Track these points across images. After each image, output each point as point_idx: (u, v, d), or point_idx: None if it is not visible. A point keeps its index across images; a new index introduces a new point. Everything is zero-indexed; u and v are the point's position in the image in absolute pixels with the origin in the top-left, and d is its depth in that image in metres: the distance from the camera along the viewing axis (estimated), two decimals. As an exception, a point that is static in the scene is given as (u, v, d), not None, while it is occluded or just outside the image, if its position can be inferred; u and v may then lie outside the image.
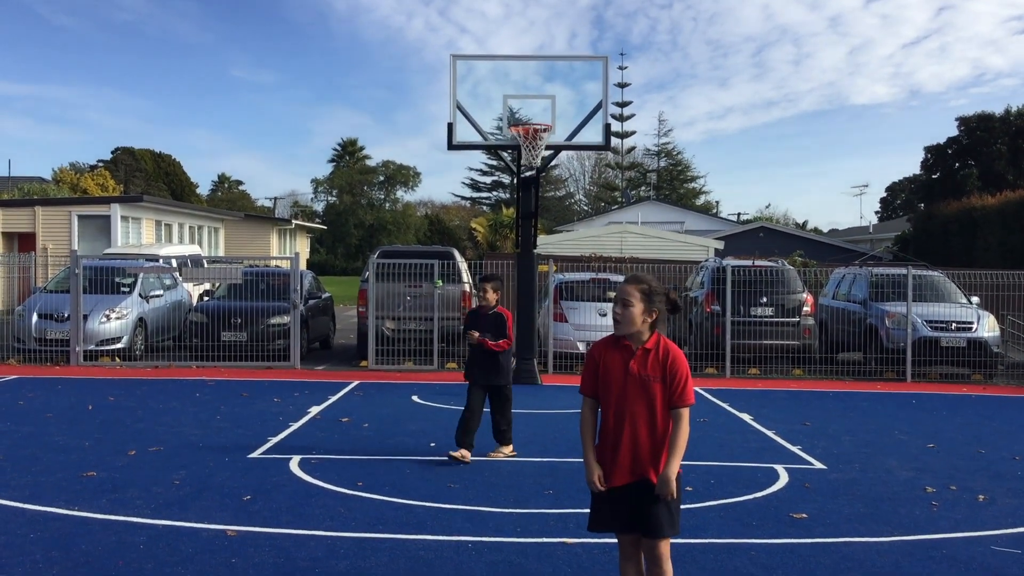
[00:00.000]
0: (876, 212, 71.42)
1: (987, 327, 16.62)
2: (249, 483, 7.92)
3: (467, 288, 17.13)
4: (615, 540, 4.70)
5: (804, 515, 7.21)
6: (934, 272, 18.81)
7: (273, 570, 5.76)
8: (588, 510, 7.06)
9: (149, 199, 34.09)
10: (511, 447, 9.27)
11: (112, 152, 63.86)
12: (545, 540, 6.47)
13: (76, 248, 26.39)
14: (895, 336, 16.64)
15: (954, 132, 42.32)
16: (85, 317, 16.37)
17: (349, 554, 6.08)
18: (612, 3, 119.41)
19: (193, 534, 6.45)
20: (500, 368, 9.13)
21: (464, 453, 8.76)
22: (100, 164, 58.72)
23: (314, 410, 11.87)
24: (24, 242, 29.04)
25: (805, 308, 17.36)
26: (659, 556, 4.43)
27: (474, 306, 9.66)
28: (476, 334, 9.01)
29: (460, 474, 8.39)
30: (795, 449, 9.91)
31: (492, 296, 9.19)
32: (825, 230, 69.58)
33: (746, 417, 11.89)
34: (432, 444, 9.75)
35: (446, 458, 8.86)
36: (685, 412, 4.41)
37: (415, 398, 13.12)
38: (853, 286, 18.88)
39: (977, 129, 40.74)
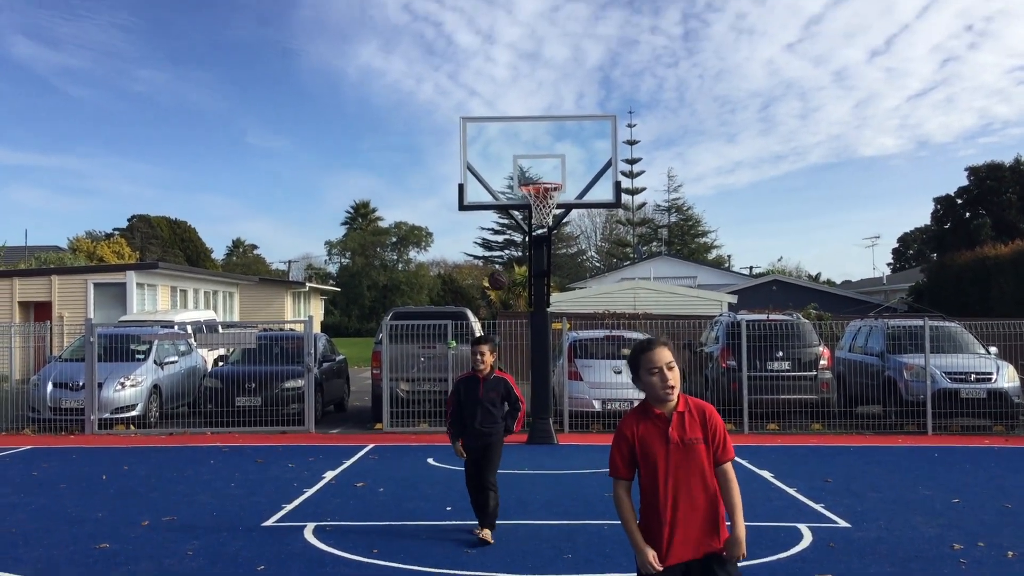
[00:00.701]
0: (888, 263, 71.27)
1: (1007, 377, 16.44)
2: (263, 553, 7.81)
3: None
4: None
5: (829, 576, 7.06)
6: (951, 323, 18.67)
7: (288, 643, 5.64)
8: (608, 575, 6.97)
9: (164, 266, 34.31)
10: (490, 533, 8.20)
11: (128, 220, 64.64)
12: (565, 607, 6.34)
13: (91, 316, 26.51)
14: (914, 388, 16.47)
15: (964, 182, 42.38)
16: (100, 385, 16.37)
17: (365, 625, 5.96)
18: (619, 63, 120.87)
19: (207, 607, 6.34)
20: (495, 425, 8.29)
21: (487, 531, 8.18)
22: (116, 232, 59.35)
23: (329, 475, 11.77)
24: (40, 311, 29.20)
25: (822, 361, 17.23)
26: None
27: (468, 371, 8.54)
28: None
29: (477, 539, 8.25)
30: (818, 507, 9.74)
31: (490, 359, 8.34)
32: (838, 282, 69.42)
33: (766, 474, 11.72)
34: (449, 508, 9.62)
35: (463, 524, 8.72)
36: (731, 466, 4.22)
37: (431, 461, 13.00)
38: (870, 338, 18.75)
39: (987, 178, 40.77)
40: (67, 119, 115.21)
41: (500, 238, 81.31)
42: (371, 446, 14.55)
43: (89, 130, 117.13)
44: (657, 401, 4.20)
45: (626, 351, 17.14)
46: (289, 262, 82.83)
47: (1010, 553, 7.75)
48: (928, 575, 7.10)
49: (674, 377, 4.16)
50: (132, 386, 16.85)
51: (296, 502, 10.03)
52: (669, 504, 4.12)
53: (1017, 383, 16.60)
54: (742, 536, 4.14)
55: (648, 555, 4.12)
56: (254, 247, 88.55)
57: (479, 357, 8.29)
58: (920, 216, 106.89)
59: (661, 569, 4.11)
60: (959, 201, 42.62)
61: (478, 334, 17.64)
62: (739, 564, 4.20)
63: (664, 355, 4.16)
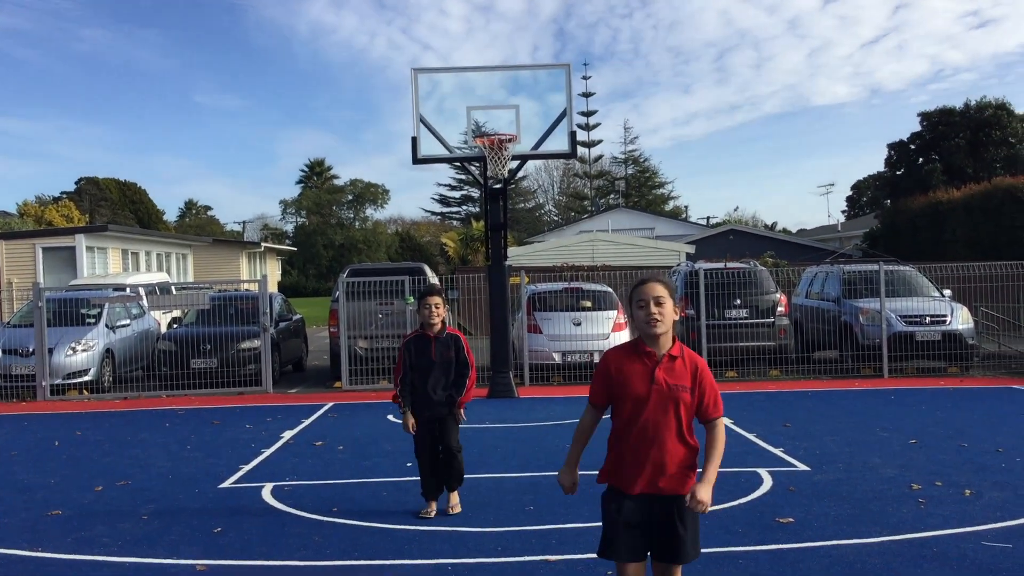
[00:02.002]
0: (843, 211, 71.90)
1: (961, 319, 16.64)
2: (220, 514, 7.67)
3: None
4: (596, 556, 4.41)
5: (791, 519, 7.07)
6: (905, 267, 18.83)
7: (245, 605, 5.53)
8: (571, 525, 6.93)
9: (114, 228, 33.66)
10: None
11: (76, 183, 63.21)
12: (527, 558, 6.28)
13: (41, 280, 25.95)
14: (870, 332, 16.62)
15: (916, 128, 42.61)
16: (51, 351, 16.01)
17: (325, 584, 5.87)
18: (573, 15, 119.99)
19: (162, 570, 6.21)
20: (451, 391, 7.47)
21: (433, 506, 7.49)
22: (64, 196, 58.08)
23: (287, 435, 11.62)
24: (-13, 277, 28.53)
25: (779, 308, 17.33)
26: None
27: (416, 330, 7.62)
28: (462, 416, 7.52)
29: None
30: (777, 451, 9.78)
31: (444, 312, 7.42)
32: (794, 230, 69.98)
33: (726, 421, 11.70)
34: (409, 464, 9.50)
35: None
36: (721, 422, 4.20)
37: (391, 418, 12.89)
38: (826, 284, 18.87)
39: (939, 124, 40.99)
40: (11, 81, 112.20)
41: (457, 194, 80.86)
42: (330, 404, 14.41)
43: (34, 92, 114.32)
44: (646, 337, 4.12)
45: (586, 303, 17.14)
46: (244, 222, 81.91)
47: (967, 491, 7.83)
48: (888, 515, 7.15)
49: (661, 312, 4.06)
50: (84, 351, 16.50)
51: (253, 463, 9.89)
52: (642, 441, 4.07)
53: (971, 325, 16.82)
54: (710, 485, 4.06)
55: (569, 478, 4.31)
56: (208, 208, 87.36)
57: (432, 310, 7.31)
58: (873, 163, 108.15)
59: (574, 492, 4.34)
60: (912, 147, 42.87)
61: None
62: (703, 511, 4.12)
63: (655, 290, 4.09)
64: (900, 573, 5.81)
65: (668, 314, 4.09)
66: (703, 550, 6.26)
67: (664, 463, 4.06)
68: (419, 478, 7.66)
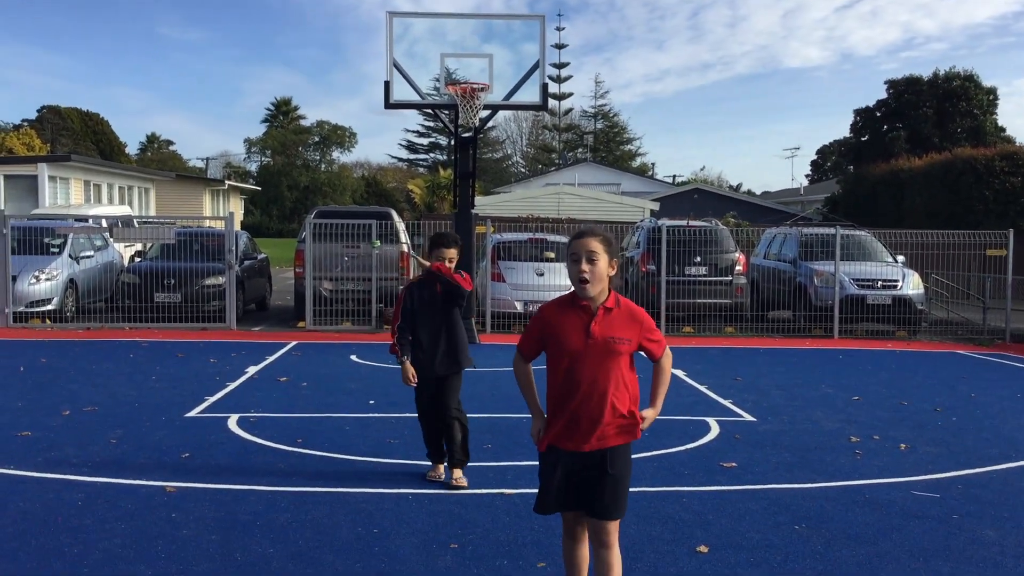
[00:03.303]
0: (807, 175, 72.44)
1: (911, 285, 17.14)
2: (187, 441, 7.91)
3: (405, 248, 17.11)
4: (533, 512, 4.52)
5: (734, 464, 7.45)
6: (861, 232, 19.29)
7: (214, 524, 5.79)
8: (526, 463, 7.25)
9: (77, 158, 33.26)
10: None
11: (37, 111, 62.00)
12: (484, 491, 6.60)
13: (3, 208, 25.70)
14: (823, 294, 17.09)
15: (883, 95, 43.08)
16: (14, 278, 16.02)
17: (290, 507, 6.14)
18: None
19: (131, 491, 6.44)
20: (461, 346, 6.86)
21: (440, 469, 6.88)
22: (25, 123, 57.05)
23: (251, 370, 11.83)
24: (-54, 203, 28.19)
25: (737, 267, 17.73)
26: (609, 539, 4.12)
27: (421, 275, 7.09)
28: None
29: (399, 430, 8.46)
30: (726, 403, 10.18)
31: (456, 259, 6.87)
32: (758, 192, 70.55)
33: (680, 373, 12.13)
34: (371, 402, 9.81)
35: (386, 417, 8.89)
36: (666, 358, 4.23)
37: (354, 358, 13.14)
38: (784, 246, 19.29)
39: (905, 92, 41.48)
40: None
41: (425, 141, 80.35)
42: (294, 343, 14.62)
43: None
44: (584, 288, 4.04)
45: (549, 254, 17.42)
46: (207, 159, 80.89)
47: (903, 445, 8.26)
48: (825, 464, 7.55)
49: (592, 271, 3.99)
50: (47, 279, 16.53)
51: (219, 395, 10.11)
52: (580, 397, 4.03)
53: (921, 290, 17.34)
54: (653, 415, 4.24)
55: (538, 425, 4.22)
56: (170, 143, 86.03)
57: (451, 257, 6.80)
58: (840, 129, 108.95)
59: (543, 447, 4.18)
60: (877, 114, 43.37)
61: (402, 234, 17.61)
62: (650, 453, 4.39)
63: (588, 245, 4.02)
64: (832, 514, 6.19)
65: (600, 271, 4.02)
66: (651, 488, 6.67)
67: (602, 418, 4.03)
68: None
